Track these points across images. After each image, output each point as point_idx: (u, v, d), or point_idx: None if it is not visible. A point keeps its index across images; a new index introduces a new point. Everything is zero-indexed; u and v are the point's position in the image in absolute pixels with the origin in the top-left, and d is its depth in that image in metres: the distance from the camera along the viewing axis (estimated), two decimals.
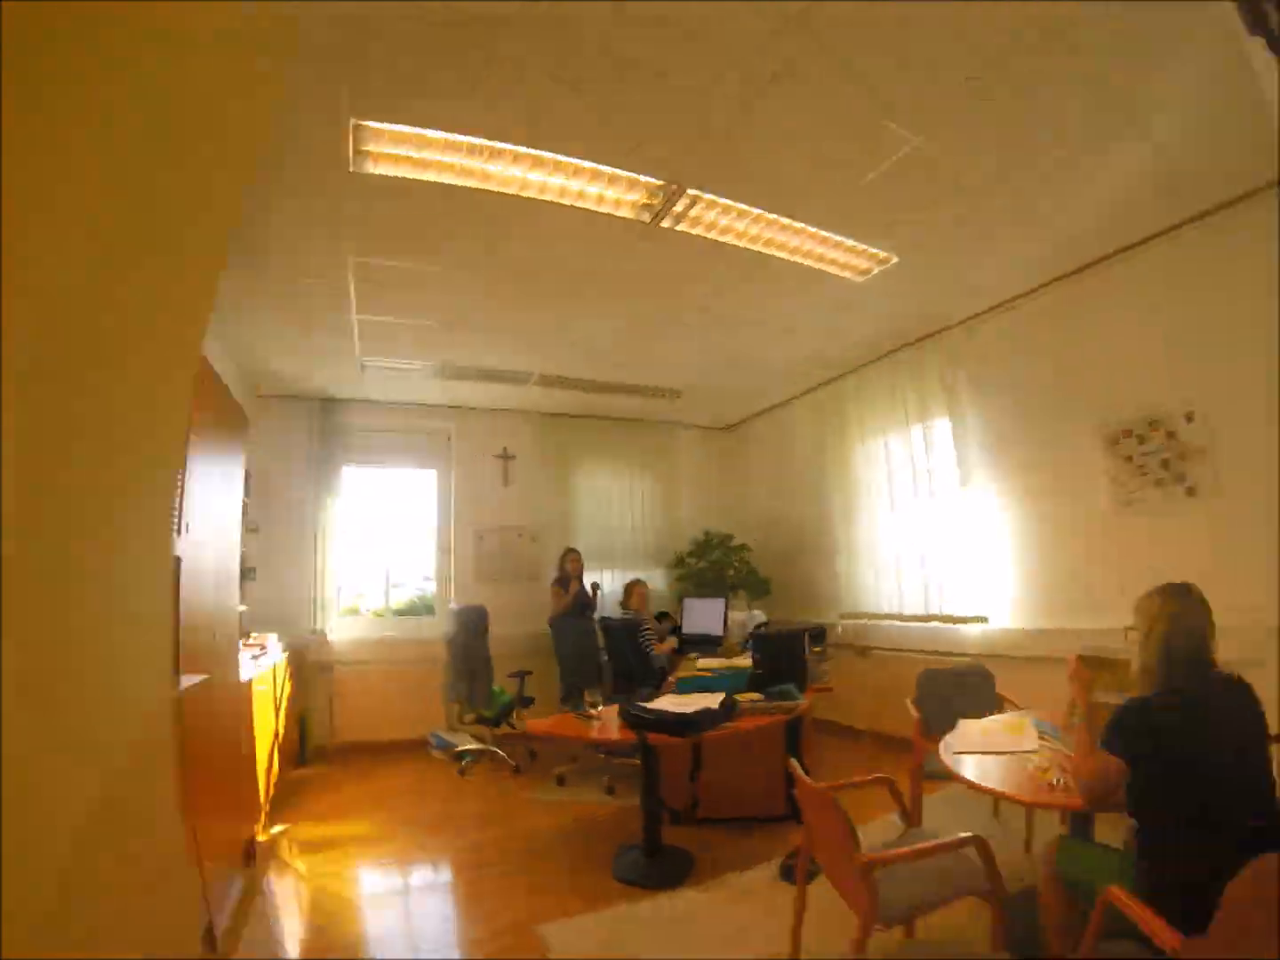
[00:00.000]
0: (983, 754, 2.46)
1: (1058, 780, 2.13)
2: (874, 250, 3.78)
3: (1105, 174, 3.14)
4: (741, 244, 3.59)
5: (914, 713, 3.40)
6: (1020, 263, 4.01)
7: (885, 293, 4.22)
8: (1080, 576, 3.98)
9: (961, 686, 3.54)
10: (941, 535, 4.82)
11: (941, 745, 2.59)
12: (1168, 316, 3.65)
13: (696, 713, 3.22)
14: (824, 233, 3.57)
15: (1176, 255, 3.60)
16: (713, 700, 3.39)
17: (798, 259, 3.79)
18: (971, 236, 3.64)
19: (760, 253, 3.69)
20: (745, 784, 3.84)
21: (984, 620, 4.47)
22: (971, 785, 2.21)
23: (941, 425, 4.84)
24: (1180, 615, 1.84)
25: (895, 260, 3.87)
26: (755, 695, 3.71)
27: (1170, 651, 1.82)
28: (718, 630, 5.46)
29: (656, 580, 6.69)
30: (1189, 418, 3.50)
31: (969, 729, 2.77)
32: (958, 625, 4.64)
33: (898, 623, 5.08)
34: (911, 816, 2.75)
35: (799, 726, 3.77)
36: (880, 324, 4.77)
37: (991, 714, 3.26)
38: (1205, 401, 3.47)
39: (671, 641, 5.40)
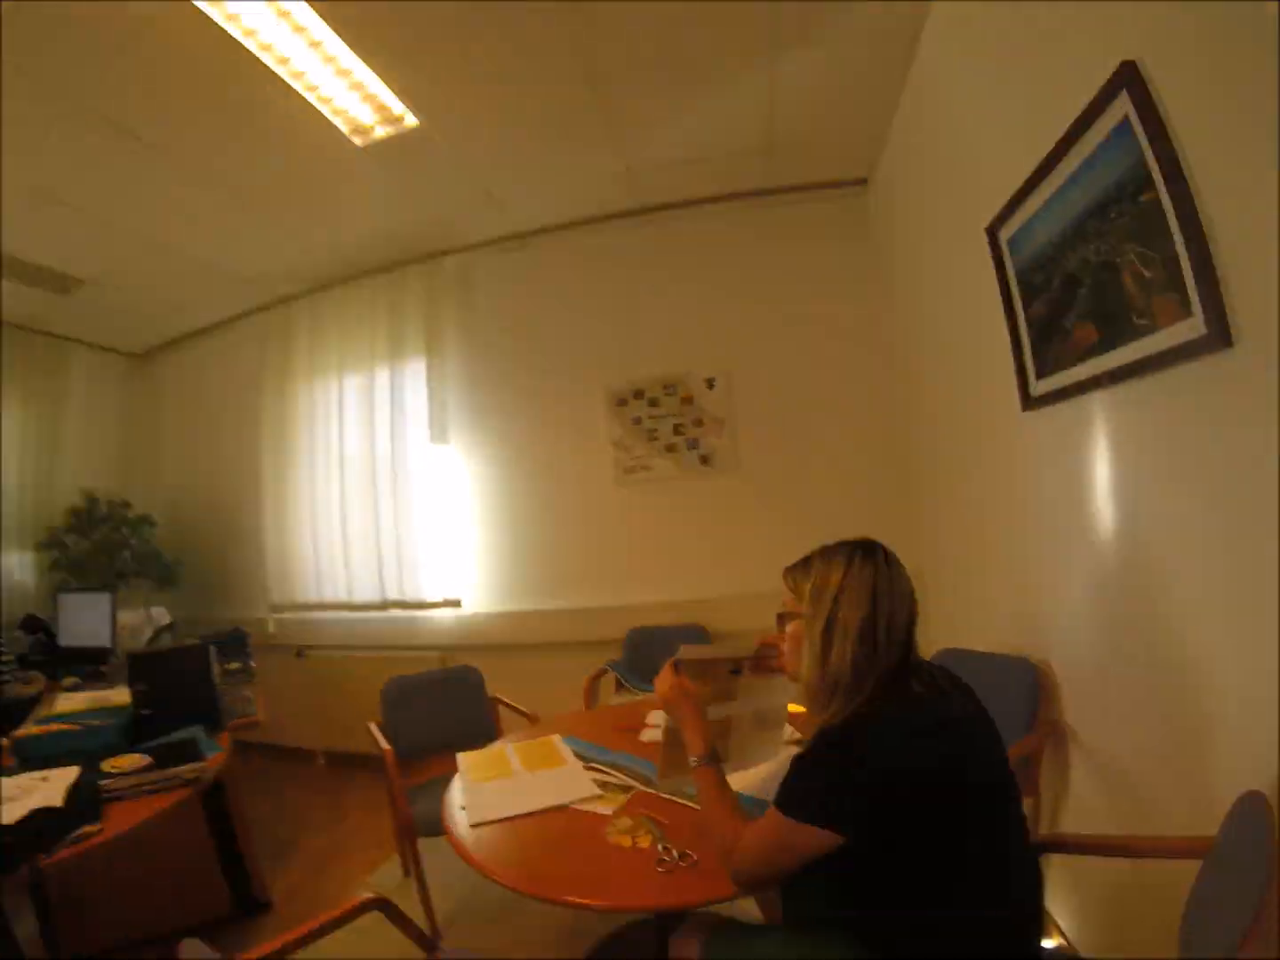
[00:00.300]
0: (515, 818, 1.58)
1: (667, 854, 1.38)
2: (390, 100, 2.62)
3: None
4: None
5: (384, 743, 2.47)
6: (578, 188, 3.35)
7: (387, 175, 3.09)
8: (578, 550, 3.60)
9: (443, 695, 2.79)
10: (407, 504, 3.88)
11: (446, 804, 1.70)
12: (703, 280, 3.44)
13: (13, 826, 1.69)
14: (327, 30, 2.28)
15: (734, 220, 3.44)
16: (54, 790, 1.88)
17: (279, 68, 2.39)
18: (533, 123, 2.78)
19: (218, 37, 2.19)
20: (148, 895, 2.38)
21: (457, 604, 3.75)
22: (510, 887, 1.33)
23: (416, 368, 3.87)
24: (885, 593, 1.20)
25: (413, 124, 2.78)
26: (138, 758, 2.09)
27: (876, 647, 1.16)
28: (105, 640, 3.50)
29: (27, 568, 4.17)
30: (710, 383, 3.33)
31: (475, 776, 1.85)
32: (425, 612, 3.81)
33: (347, 613, 3.98)
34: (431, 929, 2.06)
35: (222, 793, 2.48)
36: (368, 223, 3.54)
37: (485, 723, 2.70)
38: (731, 367, 3.35)
39: None
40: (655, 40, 2.42)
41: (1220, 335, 1.32)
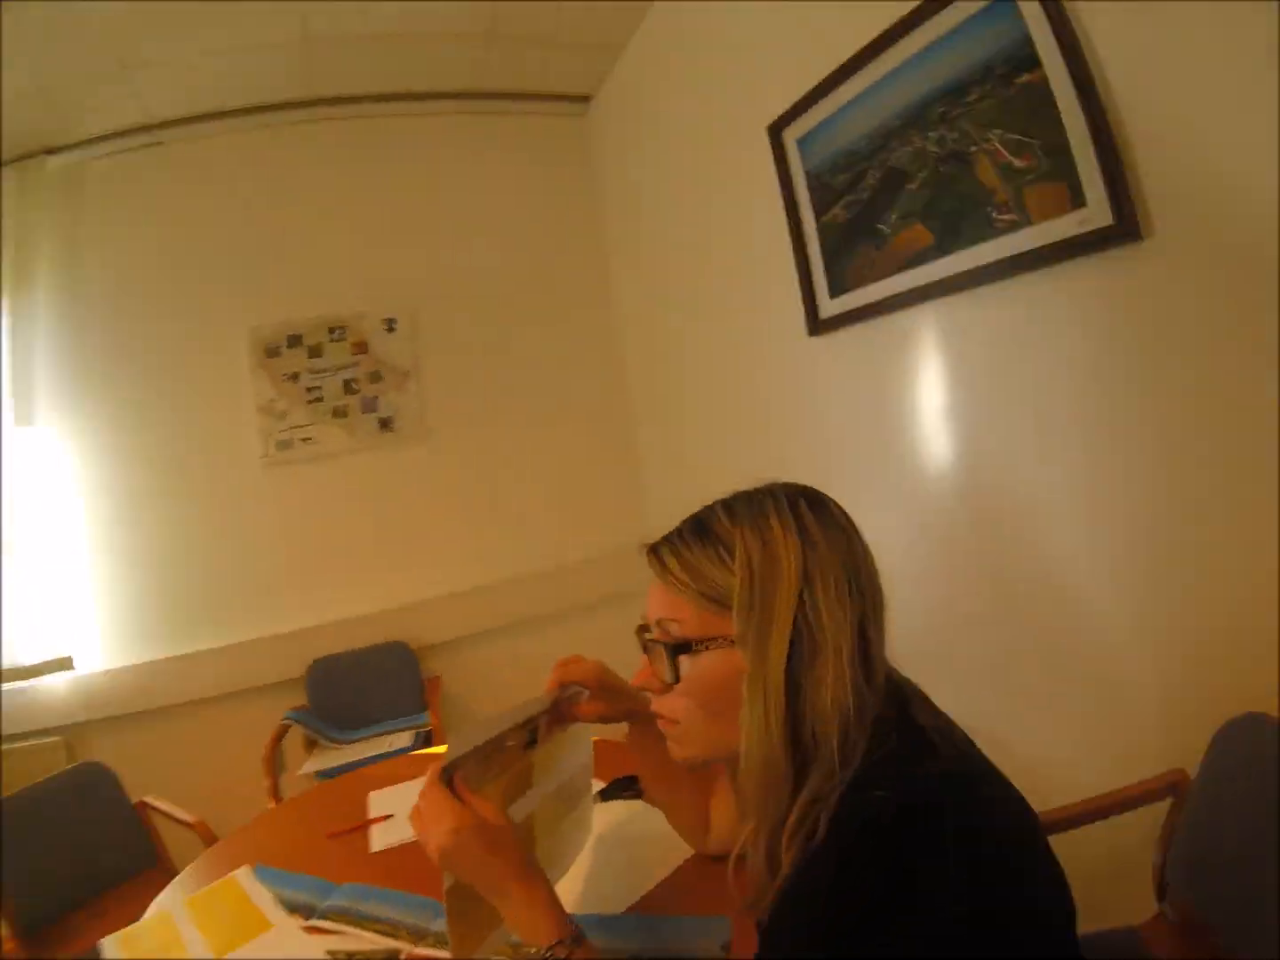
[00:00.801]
0: None
1: None
2: None
3: None
4: None
5: None
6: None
7: None
8: (227, 562, 2.59)
9: (65, 817, 1.82)
10: None
11: None
12: (387, 198, 2.72)
13: None
14: None
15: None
16: None
17: None
18: None
19: None
20: None
21: (67, 665, 2.44)
22: None
23: None
24: (865, 574, 0.69)
25: None
26: None
27: (871, 665, 0.66)
28: None
29: None
30: (390, 326, 2.62)
31: None
32: (21, 684, 2.40)
33: None
34: None
35: None
36: None
37: (137, 844, 1.85)
38: (417, 306, 2.65)
39: None
40: None
41: (1126, 226, 1.15)
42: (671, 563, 0.71)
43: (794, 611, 0.64)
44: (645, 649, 0.75)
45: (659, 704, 0.74)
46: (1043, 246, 1.30)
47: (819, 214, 1.78)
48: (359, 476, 2.65)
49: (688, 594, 0.69)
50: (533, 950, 0.69)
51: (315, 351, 2.58)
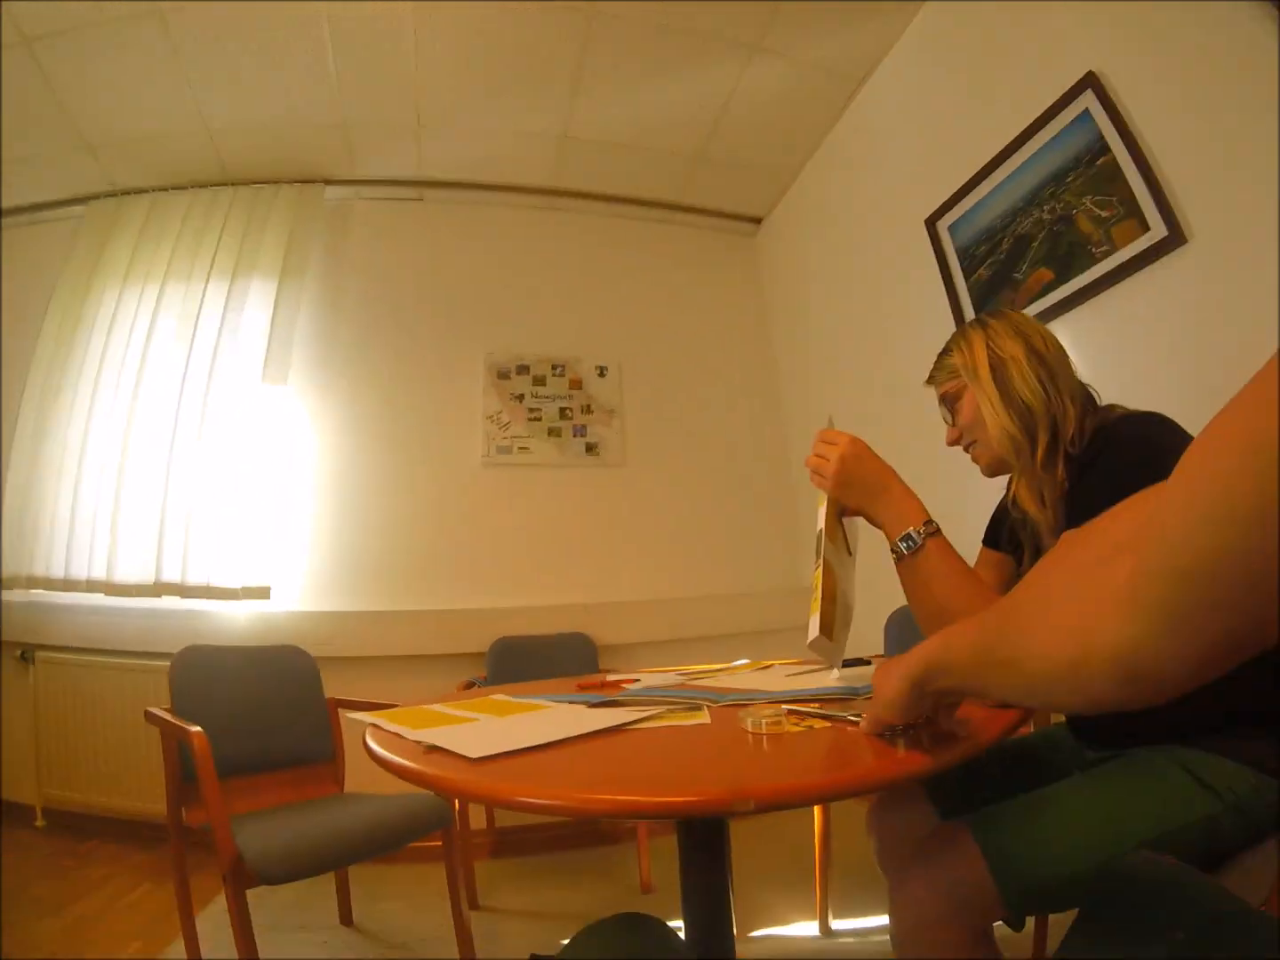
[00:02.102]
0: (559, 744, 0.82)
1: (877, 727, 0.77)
2: None
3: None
4: None
5: (191, 727, 1.62)
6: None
7: (304, 39, 2.73)
8: (433, 538, 3.13)
9: (259, 684, 2.10)
10: (216, 455, 3.00)
11: (384, 751, 0.84)
12: (605, 272, 3.61)
13: None
14: None
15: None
16: None
17: None
18: (498, 42, 2.80)
19: None
20: None
21: (264, 595, 2.90)
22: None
23: (264, 288, 3.18)
24: (1029, 326, 1.21)
25: None
26: None
27: (1051, 369, 1.15)
28: None
29: None
30: (602, 371, 3.41)
31: (415, 725, 0.94)
32: (217, 604, 2.87)
33: (104, 598, 2.84)
34: None
35: None
36: (255, 110, 3.01)
37: (323, 732, 2.13)
38: (623, 359, 3.48)
39: None
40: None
41: (1176, 236, 1.91)
42: (934, 372, 1.28)
43: (988, 352, 1.17)
44: (948, 419, 1.25)
45: (963, 445, 1.23)
46: (1128, 260, 2.06)
47: (967, 276, 2.58)
48: (563, 488, 3.28)
49: (942, 379, 1.25)
50: (911, 528, 1.01)
51: (539, 381, 3.35)
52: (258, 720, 2.01)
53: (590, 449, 3.35)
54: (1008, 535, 1.30)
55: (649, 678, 1.44)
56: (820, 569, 1.02)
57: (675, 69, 2.93)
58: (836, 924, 2.07)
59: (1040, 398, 1.11)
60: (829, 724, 0.86)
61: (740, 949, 1.87)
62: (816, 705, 0.94)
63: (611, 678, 1.52)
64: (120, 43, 2.60)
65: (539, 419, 3.32)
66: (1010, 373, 1.14)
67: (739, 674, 1.51)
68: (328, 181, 3.39)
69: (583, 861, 2.69)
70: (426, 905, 1.92)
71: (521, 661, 2.84)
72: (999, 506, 1.36)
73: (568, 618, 3.05)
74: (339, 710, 2.16)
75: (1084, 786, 1.00)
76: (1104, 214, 2.11)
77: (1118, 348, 2.13)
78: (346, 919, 2.13)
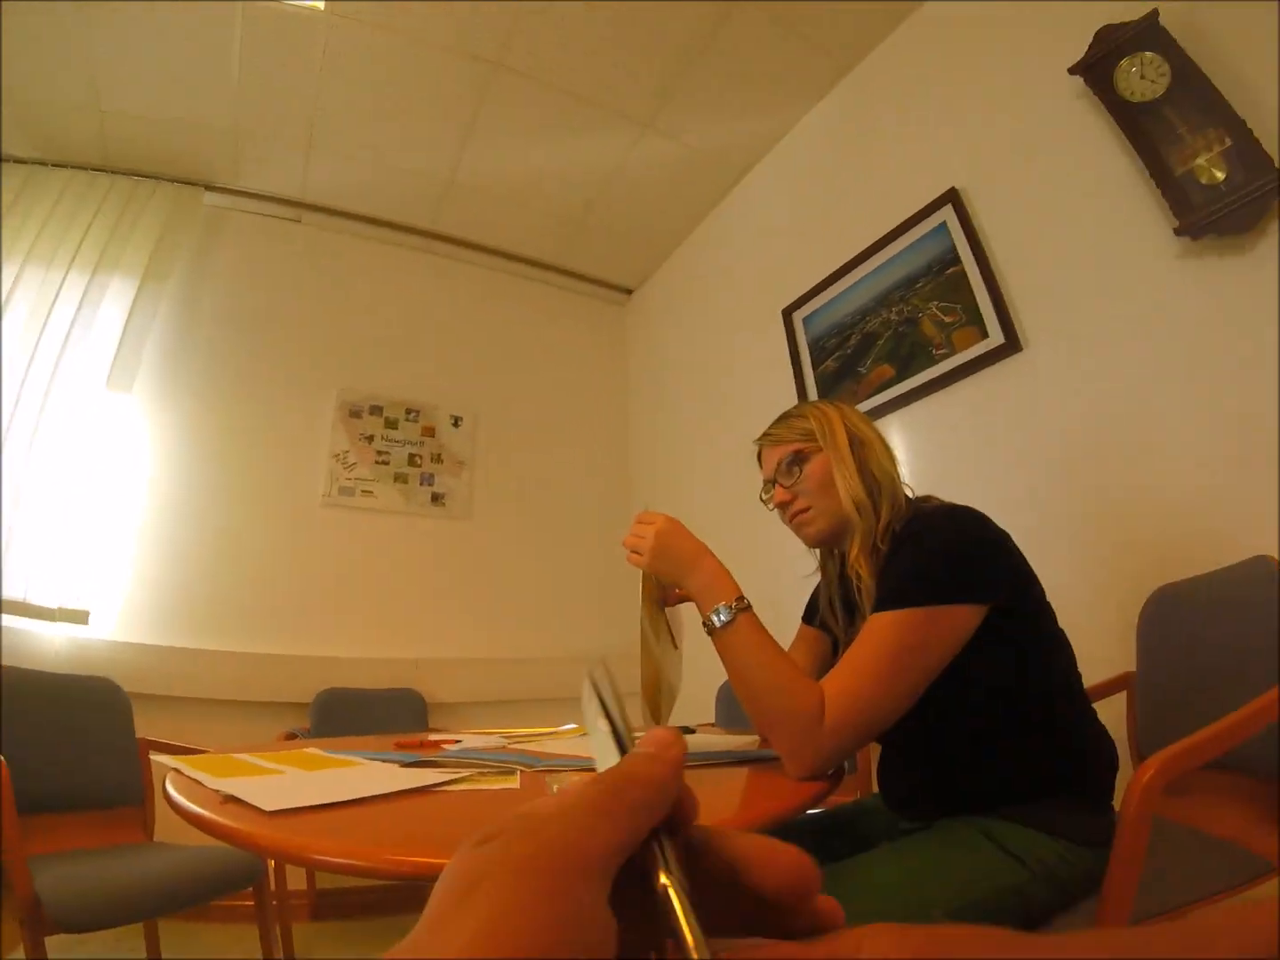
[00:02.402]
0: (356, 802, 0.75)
1: None
2: None
3: None
4: None
5: None
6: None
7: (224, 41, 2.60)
8: (268, 575, 2.90)
9: (68, 719, 1.91)
10: (43, 465, 2.62)
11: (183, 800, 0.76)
12: (472, 324, 3.53)
13: None
14: None
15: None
16: None
17: None
18: (406, 74, 2.78)
19: None
20: None
21: (81, 619, 2.54)
22: None
23: (124, 287, 2.89)
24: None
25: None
26: None
27: (892, 458, 1.24)
28: None
29: None
30: (456, 421, 3.29)
31: (219, 773, 0.88)
32: (27, 623, 2.46)
33: None
34: None
35: None
36: (157, 100, 2.79)
37: (132, 770, 1.93)
38: (479, 411, 3.37)
39: None
40: (571, 41, 2.61)
41: (1013, 344, 2.08)
42: (776, 431, 1.28)
43: (845, 428, 1.22)
44: (776, 483, 1.24)
45: (795, 508, 1.22)
46: (965, 364, 2.21)
47: (815, 366, 2.71)
48: (404, 536, 3.13)
49: (790, 439, 1.24)
50: (722, 603, 1.00)
51: (391, 424, 3.20)
52: (64, 755, 1.83)
53: (436, 499, 3.21)
54: (820, 619, 1.35)
55: (471, 739, 1.40)
56: (641, 654, 1.06)
57: (569, 133, 2.99)
58: None
59: (889, 479, 1.18)
60: None
61: None
62: None
63: (433, 738, 1.45)
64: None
65: (386, 463, 3.15)
66: (866, 453, 1.20)
67: (564, 739, 1.50)
68: (208, 187, 3.17)
69: (406, 925, 2.43)
70: None
71: (348, 714, 2.66)
72: (817, 587, 1.41)
73: (398, 672, 2.89)
74: (150, 752, 1.95)
75: (891, 856, 1.00)
76: (947, 319, 2.28)
77: (945, 443, 2.27)
78: None
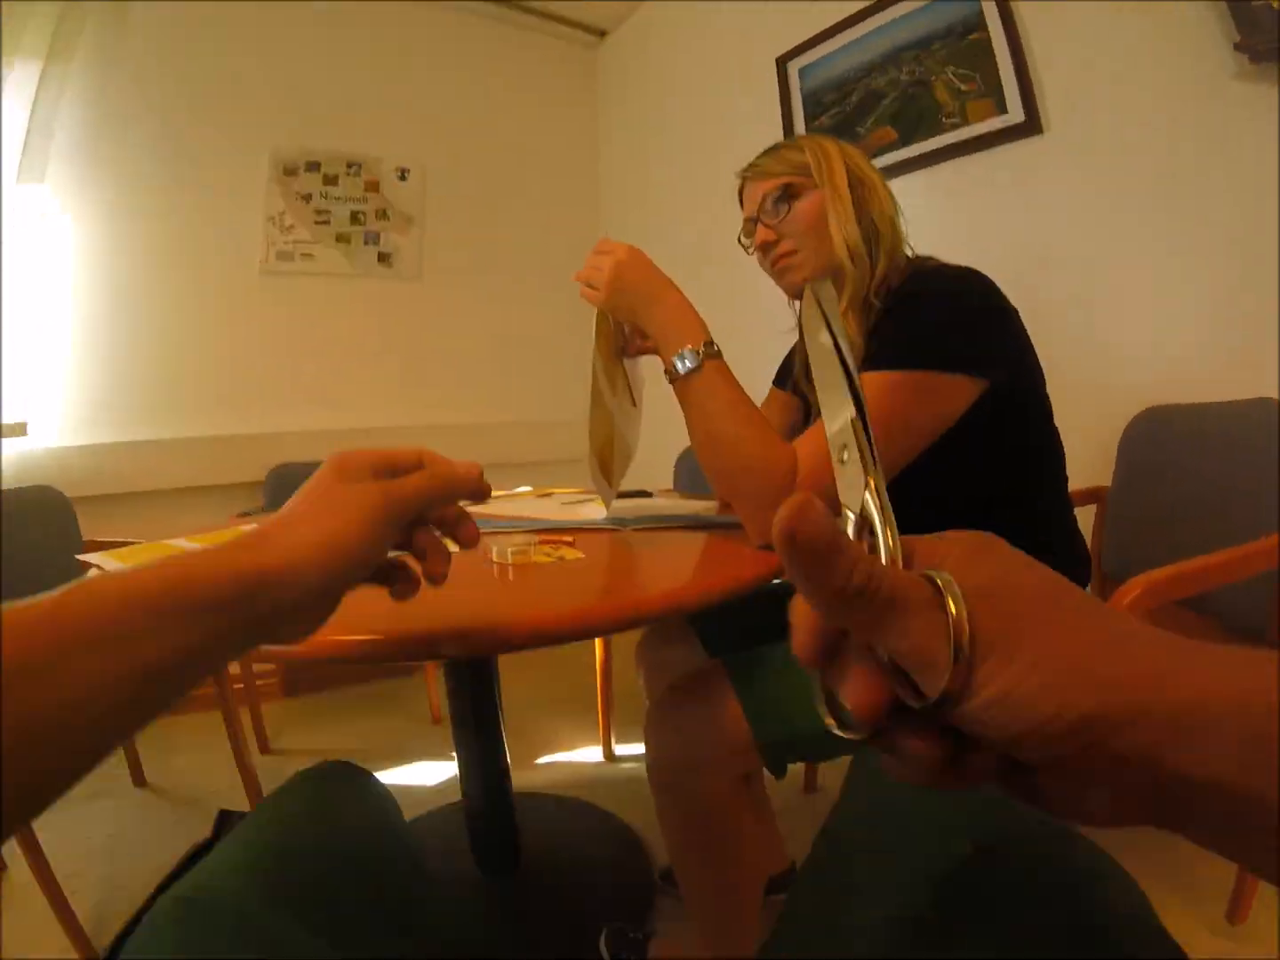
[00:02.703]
0: None
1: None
2: None
3: None
4: None
5: None
6: None
7: None
8: (209, 356, 2.66)
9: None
10: None
11: None
12: (419, 66, 3.05)
13: None
14: None
15: None
16: None
17: None
18: None
19: None
20: None
21: (20, 432, 2.33)
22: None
23: (25, 74, 2.34)
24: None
25: None
26: None
27: (895, 203, 1.09)
28: None
29: None
30: (403, 174, 2.95)
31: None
32: None
33: None
34: None
35: None
36: None
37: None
38: (428, 162, 3.01)
39: None
40: None
41: (1032, 124, 1.85)
42: (764, 162, 1.11)
43: (845, 164, 1.05)
44: (760, 222, 1.08)
45: (780, 250, 1.07)
46: (976, 137, 1.98)
47: (809, 121, 2.43)
48: (349, 301, 2.88)
49: (780, 171, 1.07)
50: (688, 346, 0.89)
51: (330, 180, 2.84)
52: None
53: (382, 259, 2.93)
54: (793, 383, 1.27)
55: None
56: (591, 407, 0.95)
57: None
58: (620, 749, 2.13)
59: (890, 227, 1.04)
60: (583, 556, 0.82)
61: (526, 776, 1.92)
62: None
63: None
64: None
65: (327, 223, 2.83)
66: (867, 195, 1.05)
67: (517, 500, 1.48)
68: None
69: (376, 695, 2.66)
70: (218, 756, 1.78)
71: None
72: (792, 348, 1.33)
73: (351, 442, 2.59)
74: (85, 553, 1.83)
75: None
76: (964, 87, 2.04)
77: (943, 218, 2.11)
78: (139, 780, 1.99)
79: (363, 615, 0.57)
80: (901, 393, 0.84)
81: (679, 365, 0.89)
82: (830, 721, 0.28)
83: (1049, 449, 1.05)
